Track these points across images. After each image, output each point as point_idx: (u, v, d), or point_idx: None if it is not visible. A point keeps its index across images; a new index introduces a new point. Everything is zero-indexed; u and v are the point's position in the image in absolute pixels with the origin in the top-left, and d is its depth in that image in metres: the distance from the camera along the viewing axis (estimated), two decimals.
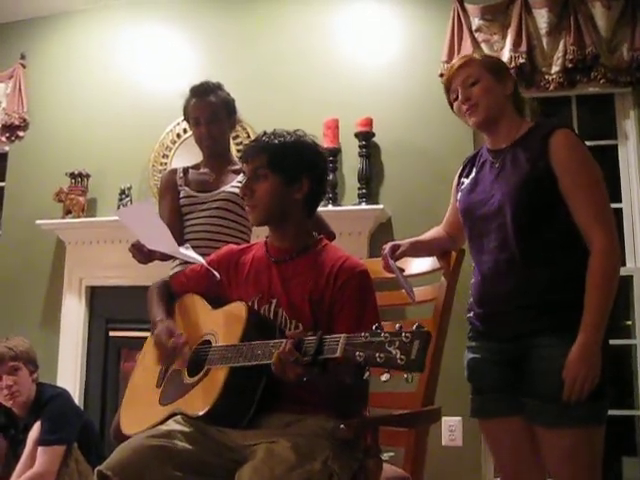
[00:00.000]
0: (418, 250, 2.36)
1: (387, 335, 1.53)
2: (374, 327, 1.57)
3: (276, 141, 2.01)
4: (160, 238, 2.27)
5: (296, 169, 2.00)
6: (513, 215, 2.04)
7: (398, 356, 1.49)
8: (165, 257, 2.50)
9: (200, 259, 2.21)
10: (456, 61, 2.26)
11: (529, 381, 2.02)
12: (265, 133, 2.06)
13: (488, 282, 2.13)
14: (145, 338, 2.22)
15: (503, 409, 2.11)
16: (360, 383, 1.69)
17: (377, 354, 1.52)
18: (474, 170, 2.26)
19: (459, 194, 2.28)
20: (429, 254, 2.40)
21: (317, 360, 1.62)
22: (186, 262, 2.45)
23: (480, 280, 2.17)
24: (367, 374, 1.59)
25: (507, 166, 2.11)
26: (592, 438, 1.97)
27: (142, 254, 2.44)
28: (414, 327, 1.52)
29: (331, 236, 2.52)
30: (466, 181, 2.27)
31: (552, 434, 1.98)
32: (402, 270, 2.24)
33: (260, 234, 2.40)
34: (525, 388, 2.04)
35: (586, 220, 1.99)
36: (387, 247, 2.28)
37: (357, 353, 1.55)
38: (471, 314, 2.22)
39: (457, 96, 2.20)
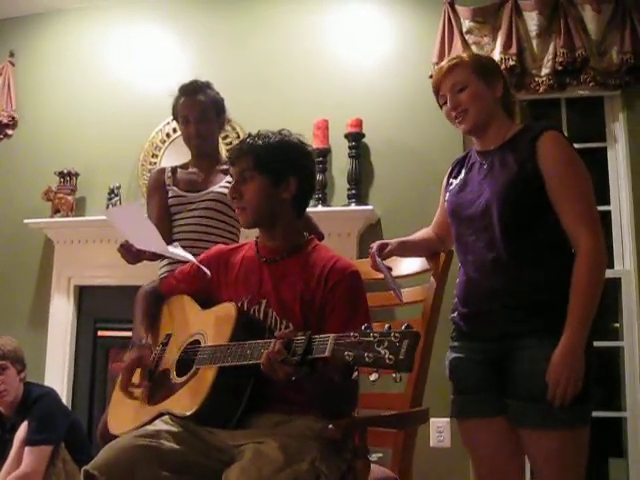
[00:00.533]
0: (406, 250, 2.36)
1: (376, 335, 1.53)
2: (363, 327, 1.57)
3: (261, 142, 2.02)
4: (149, 238, 2.26)
5: (282, 169, 2.01)
6: (500, 215, 2.05)
7: (387, 356, 1.49)
8: (154, 257, 2.49)
9: (190, 257, 2.20)
10: (444, 63, 2.24)
11: (513, 382, 2.02)
12: (250, 135, 2.07)
13: (474, 282, 2.13)
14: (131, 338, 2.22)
15: (485, 410, 2.10)
16: (349, 383, 1.69)
17: (366, 354, 1.52)
18: (463, 171, 2.26)
19: (447, 195, 2.28)
20: (417, 254, 2.40)
21: (306, 360, 1.62)
22: (175, 261, 2.45)
23: (465, 280, 2.17)
24: (356, 374, 1.59)
25: (495, 167, 2.12)
26: (577, 440, 1.98)
27: (131, 254, 2.42)
28: (403, 327, 1.52)
29: (320, 237, 2.52)
30: (455, 182, 2.27)
31: (537, 436, 1.98)
32: (390, 269, 2.24)
33: (249, 234, 2.39)
34: (509, 389, 2.04)
35: (572, 222, 2.00)
36: (375, 245, 2.28)
37: (346, 353, 1.55)
38: (455, 314, 2.22)
39: (446, 101, 2.20)
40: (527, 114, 2.29)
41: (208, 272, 2.11)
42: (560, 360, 1.91)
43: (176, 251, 2.27)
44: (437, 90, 2.23)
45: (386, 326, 1.54)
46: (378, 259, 2.23)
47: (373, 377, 1.52)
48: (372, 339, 1.53)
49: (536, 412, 1.96)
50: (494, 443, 2.10)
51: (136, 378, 2.05)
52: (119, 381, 2.08)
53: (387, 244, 2.29)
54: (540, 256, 2.04)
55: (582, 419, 1.98)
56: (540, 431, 1.97)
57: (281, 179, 2.01)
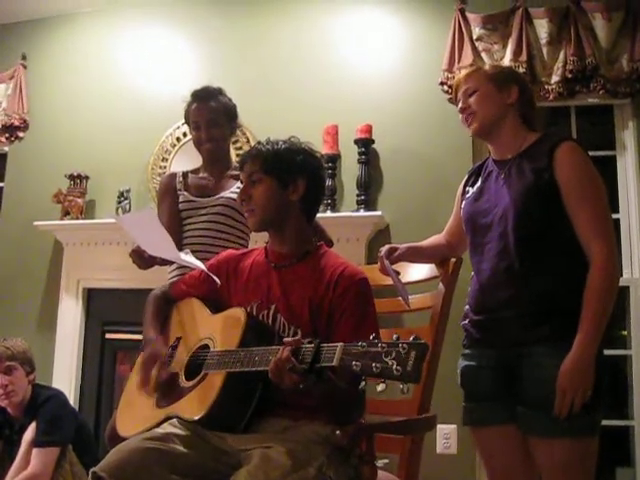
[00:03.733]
0: (415, 255, 2.37)
1: (384, 345, 1.52)
2: (371, 337, 1.57)
3: (269, 147, 2.05)
4: (161, 244, 2.27)
5: (290, 170, 2.03)
6: (515, 224, 2.05)
7: (394, 367, 1.49)
8: (165, 262, 2.51)
9: (200, 265, 2.21)
10: (463, 71, 2.29)
11: (523, 390, 2.02)
12: (259, 142, 2.10)
13: (487, 290, 2.13)
14: (141, 341, 2.22)
15: (497, 417, 2.10)
16: (357, 391, 1.69)
17: (373, 364, 1.52)
18: (480, 180, 2.26)
19: (463, 203, 2.29)
20: (426, 260, 2.40)
21: (314, 368, 1.63)
22: (185, 265, 2.46)
23: (478, 288, 2.18)
24: (363, 384, 1.59)
25: (512, 176, 2.12)
26: (585, 449, 1.97)
27: (142, 260, 2.44)
28: (411, 338, 1.52)
29: (329, 243, 2.52)
30: (471, 190, 2.28)
31: (545, 444, 1.98)
32: (398, 273, 2.24)
33: (259, 240, 2.40)
34: (519, 396, 2.04)
35: (587, 233, 2.00)
36: (383, 249, 2.30)
37: (354, 363, 1.55)
38: (466, 321, 2.22)
39: None
40: (537, 122, 2.29)
41: (218, 281, 2.11)
42: (569, 369, 1.91)
43: (187, 258, 2.28)
44: (455, 97, 2.28)
45: (394, 336, 1.54)
46: (386, 262, 2.24)
47: (380, 388, 1.52)
48: (380, 349, 1.52)
49: (543, 420, 1.96)
50: (507, 450, 2.10)
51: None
52: (134, 381, 2.10)
53: (396, 248, 2.30)
54: (552, 265, 2.04)
55: (590, 429, 1.97)
56: (547, 439, 1.97)
57: (289, 181, 2.02)
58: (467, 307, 2.24)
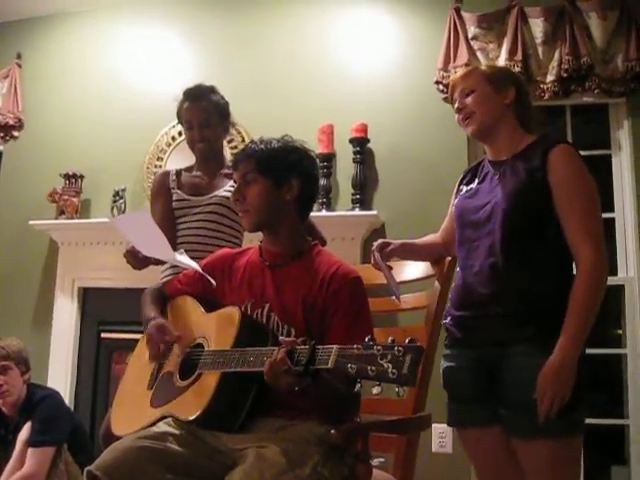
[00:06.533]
0: (407, 252, 2.37)
1: (379, 348, 1.52)
2: (367, 339, 1.57)
3: (263, 146, 2.04)
4: (156, 245, 2.27)
5: (284, 170, 2.02)
6: (503, 220, 2.05)
7: (390, 370, 1.48)
8: (159, 262, 2.51)
9: (195, 265, 2.20)
10: (459, 72, 2.29)
11: (503, 392, 2.02)
12: (253, 141, 2.09)
13: (470, 286, 2.12)
14: (137, 340, 2.23)
15: (479, 418, 2.10)
16: (352, 393, 1.69)
17: (369, 367, 1.51)
18: (476, 180, 2.26)
19: (457, 199, 2.29)
20: (419, 258, 2.40)
21: (309, 370, 1.62)
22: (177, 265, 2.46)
23: (462, 284, 2.17)
24: (359, 386, 1.59)
25: (506, 176, 2.12)
26: (569, 449, 1.97)
27: (137, 260, 2.44)
28: (407, 341, 1.52)
29: (322, 242, 2.52)
30: (465, 188, 2.28)
31: (528, 445, 1.98)
32: (390, 268, 2.24)
33: (253, 238, 2.40)
34: (500, 399, 2.03)
35: (576, 235, 2.00)
36: (377, 243, 2.30)
37: (349, 365, 1.55)
38: (447, 320, 2.21)
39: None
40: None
41: (214, 282, 2.11)
42: (551, 373, 1.91)
43: (182, 259, 2.28)
44: (452, 97, 2.27)
45: (390, 339, 1.54)
46: (377, 255, 2.24)
47: (376, 390, 1.52)
48: (375, 352, 1.52)
49: (525, 422, 1.96)
50: (492, 450, 2.10)
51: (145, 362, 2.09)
52: (128, 379, 2.12)
53: (389, 243, 2.30)
54: (539, 265, 2.04)
55: (573, 429, 1.97)
56: (530, 441, 1.96)
57: (283, 181, 2.01)
58: (448, 304, 2.23)
